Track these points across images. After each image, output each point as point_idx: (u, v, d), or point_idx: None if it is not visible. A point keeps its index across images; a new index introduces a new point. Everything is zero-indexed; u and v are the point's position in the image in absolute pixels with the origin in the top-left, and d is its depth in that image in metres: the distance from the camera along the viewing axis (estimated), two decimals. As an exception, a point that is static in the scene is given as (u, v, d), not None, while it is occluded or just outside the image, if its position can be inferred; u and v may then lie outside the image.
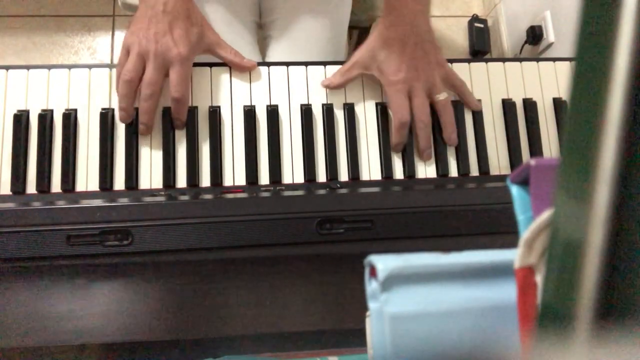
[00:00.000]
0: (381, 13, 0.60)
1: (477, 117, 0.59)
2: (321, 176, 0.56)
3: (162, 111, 0.55)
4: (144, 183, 0.54)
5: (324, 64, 0.59)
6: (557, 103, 0.61)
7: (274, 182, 0.55)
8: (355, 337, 0.37)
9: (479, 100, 0.60)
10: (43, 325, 0.38)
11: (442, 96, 0.56)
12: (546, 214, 0.17)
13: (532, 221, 0.18)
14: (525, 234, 0.18)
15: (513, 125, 0.59)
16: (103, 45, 1.52)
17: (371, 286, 0.21)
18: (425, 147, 0.57)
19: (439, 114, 0.57)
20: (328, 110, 0.57)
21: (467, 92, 0.59)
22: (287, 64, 0.59)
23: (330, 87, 0.58)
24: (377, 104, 0.58)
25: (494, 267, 0.21)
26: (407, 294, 0.20)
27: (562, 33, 1.24)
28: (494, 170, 0.58)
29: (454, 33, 1.59)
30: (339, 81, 0.58)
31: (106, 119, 0.54)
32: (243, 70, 0.58)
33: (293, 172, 0.56)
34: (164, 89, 0.55)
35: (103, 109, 0.55)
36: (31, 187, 0.53)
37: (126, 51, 0.54)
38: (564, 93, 0.62)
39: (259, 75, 0.58)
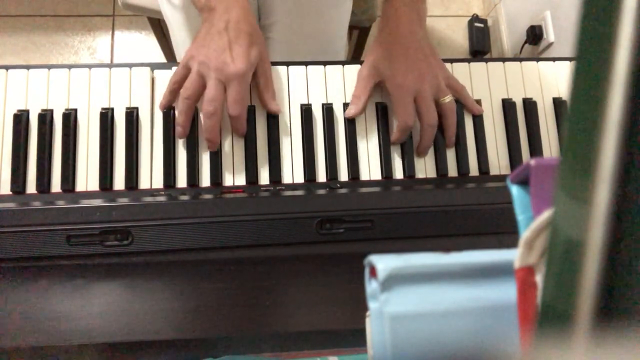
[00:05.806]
0: (381, 13, 0.60)
1: (477, 117, 0.59)
2: (321, 176, 0.56)
3: (164, 113, 0.56)
4: (144, 183, 0.54)
5: (324, 63, 0.59)
6: (557, 103, 0.61)
7: (274, 182, 0.55)
8: (355, 337, 0.37)
9: (479, 101, 0.60)
10: (43, 325, 0.38)
11: (448, 99, 0.57)
12: (546, 214, 0.17)
13: (532, 221, 0.18)
14: (525, 233, 0.18)
15: (513, 125, 0.59)
16: (103, 45, 1.52)
17: (371, 286, 0.21)
18: (427, 147, 0.57)
19: (444, 117, 0.57)
20: (328, 110, 0.57)
21: (467, 96, 0.59)
22: (287, 63, 0.59)
23: (357, 115, 0.57)
24: (377, 104, 0.58)
25: (494, 267, 0.21)
26: (407, 294, 0.20)
27: (562, 33, 1.24)
28: (494, 170, 0.58)
29: (454, 33, 1.59)
30: (360, 106, 0.56)
31: (106, 119, 0.54)
32: (268, 107, 0.56)
33: (293, 172, 0.56)
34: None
35: (103, 108, 0.55)
36: (31, 187, 0.53)
37: (184, 67, 0.54)
38: (564, 93, 0.62)
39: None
